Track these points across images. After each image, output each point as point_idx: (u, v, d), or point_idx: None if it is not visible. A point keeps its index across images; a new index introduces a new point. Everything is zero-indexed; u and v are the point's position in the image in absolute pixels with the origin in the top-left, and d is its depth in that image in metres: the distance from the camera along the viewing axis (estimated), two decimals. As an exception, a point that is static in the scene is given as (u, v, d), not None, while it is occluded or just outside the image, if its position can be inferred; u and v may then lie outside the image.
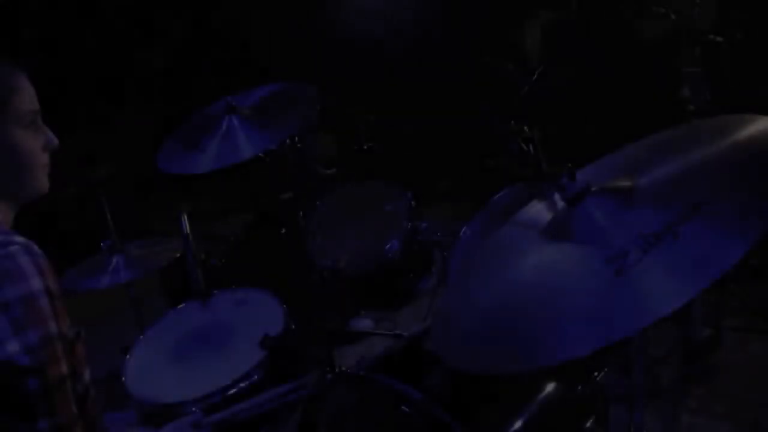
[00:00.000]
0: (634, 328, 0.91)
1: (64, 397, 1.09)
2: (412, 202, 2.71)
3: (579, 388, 1.64)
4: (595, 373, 1.69)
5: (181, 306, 2.23)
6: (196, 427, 1.46)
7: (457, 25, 5.66)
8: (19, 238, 1.13)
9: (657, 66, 2.46)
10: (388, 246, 2.53)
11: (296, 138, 2.49)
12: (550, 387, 1.63)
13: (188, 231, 2.21)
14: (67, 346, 1.13)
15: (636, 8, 2.43)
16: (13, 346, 1.04)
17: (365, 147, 3.67)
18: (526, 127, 2.29)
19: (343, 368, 2.15)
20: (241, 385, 1.78)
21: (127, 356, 2.00)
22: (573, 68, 2.65)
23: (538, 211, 1.32)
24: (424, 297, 2.89)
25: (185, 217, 2.23)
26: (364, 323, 3.71)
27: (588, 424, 1.61)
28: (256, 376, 1.81)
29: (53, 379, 1.07)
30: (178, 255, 2.56)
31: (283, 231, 3.63)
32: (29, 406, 1.05)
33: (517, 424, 1.53)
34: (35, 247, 1.12)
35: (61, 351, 1.10)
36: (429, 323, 2.34)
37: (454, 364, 1.11)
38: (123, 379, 1.90)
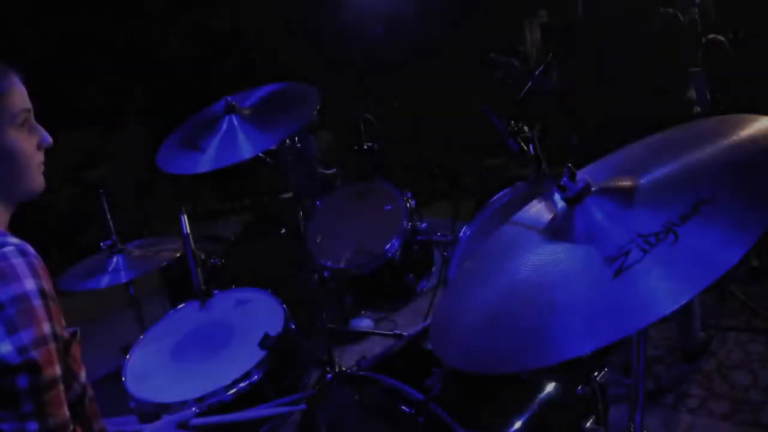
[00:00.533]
0: (634, 328, 0.91)
1: (56, 399, 1.09)
2: (412, 202, 2.72)
3: (579, 388, 1.64)
4: (595, 373, 1.69)
5: (181, 306, 2.23)
6: (180, 427, 1.45)
7: (457, 26, 5.66)
8: (13, 239, 1.12)
9: (662, 67, 2.46)
10: (388, 246, 2.53)
11: (296, 138, 2.49)
12: (550, 387, 1.63)
13: (188, 231, 2.21)
14: (61, 348, 1.13)
15: (643, 9, 2.43)
16: (6, 347, 1.03)
17: (365, 147, 3.67)
18: (526, 127, 2.29)
19: (343, 368, 2.15)
20: (241, 385, 1.78)
21: (127, 356, 2.00)
22: (577, 68, 2.64)
23: (538, 211, 1.32)
24: (424, 297, 2.89)
25: (185, 217, 2.23)
26: (364, 323, 3.72)
27: (588, 424, 1.61)
28: (256, 376, 1.81)
29: (45, 380, 1.07)
30: (178, 255, 2.56)
31: (283, 231, 3.64)
32: (19, 407, 1.04)
33: (517, 424, 1.53)
34: (29, 248, 1.12)
35: (55, 352, 1.10)
36: (429, 323, 2.34)
37: (454, 364, 1.11)
38: (123, 379, 1.90)
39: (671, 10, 2.40)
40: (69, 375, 1.17)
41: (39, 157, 1.25)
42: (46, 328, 1.08)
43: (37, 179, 1.25)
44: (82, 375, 1.23)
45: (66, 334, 1.17)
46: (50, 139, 1.26)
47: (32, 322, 1.06)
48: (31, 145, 1.22)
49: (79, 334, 1.22)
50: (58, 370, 1.10)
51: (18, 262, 1.08)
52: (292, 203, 3.14)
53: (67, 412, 1.11)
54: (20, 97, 1.20)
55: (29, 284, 1.07)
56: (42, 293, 1.09)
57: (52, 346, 1.09)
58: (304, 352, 2.06)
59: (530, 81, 2.76)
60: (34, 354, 1.05)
